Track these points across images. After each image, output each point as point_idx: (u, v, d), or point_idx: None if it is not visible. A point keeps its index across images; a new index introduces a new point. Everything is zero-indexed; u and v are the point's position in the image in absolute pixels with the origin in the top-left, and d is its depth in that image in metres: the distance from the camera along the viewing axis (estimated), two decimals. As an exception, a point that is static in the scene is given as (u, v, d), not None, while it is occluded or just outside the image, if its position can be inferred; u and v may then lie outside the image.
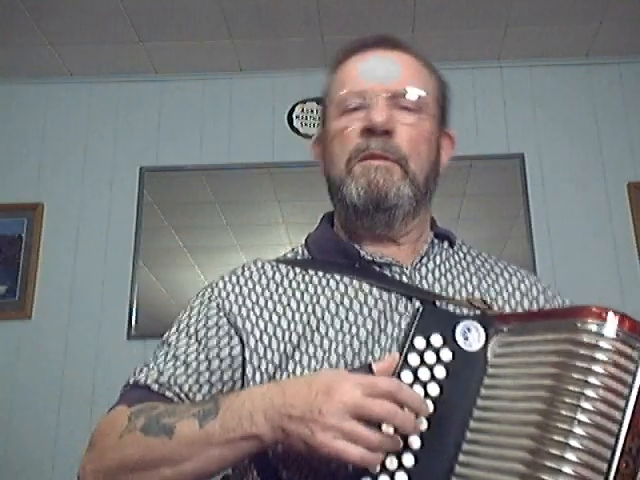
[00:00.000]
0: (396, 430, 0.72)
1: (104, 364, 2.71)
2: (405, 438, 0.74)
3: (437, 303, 0.95)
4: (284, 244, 2.92)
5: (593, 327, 0.72)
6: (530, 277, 1.08)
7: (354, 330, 0.92)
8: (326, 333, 0.92)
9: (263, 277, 1.01)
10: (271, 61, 3.06)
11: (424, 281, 0.99)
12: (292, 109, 3.06)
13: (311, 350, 0.90)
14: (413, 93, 1.00)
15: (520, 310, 1.00)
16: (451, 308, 0.94)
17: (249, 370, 0.91)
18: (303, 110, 3.05)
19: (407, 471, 0.73)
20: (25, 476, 2.62)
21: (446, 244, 1.07)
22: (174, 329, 0.99)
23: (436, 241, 1.06)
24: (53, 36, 2.86)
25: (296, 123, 3.04)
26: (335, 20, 2.79)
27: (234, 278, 1.02)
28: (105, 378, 2.66)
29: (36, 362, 2.74)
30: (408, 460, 0.74)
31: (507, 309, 0.99)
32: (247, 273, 1.02)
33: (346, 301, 0.95)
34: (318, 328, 0.92)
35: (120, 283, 2.83)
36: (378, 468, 0.73)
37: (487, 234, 2.93)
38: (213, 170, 3.00)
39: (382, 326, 0.92)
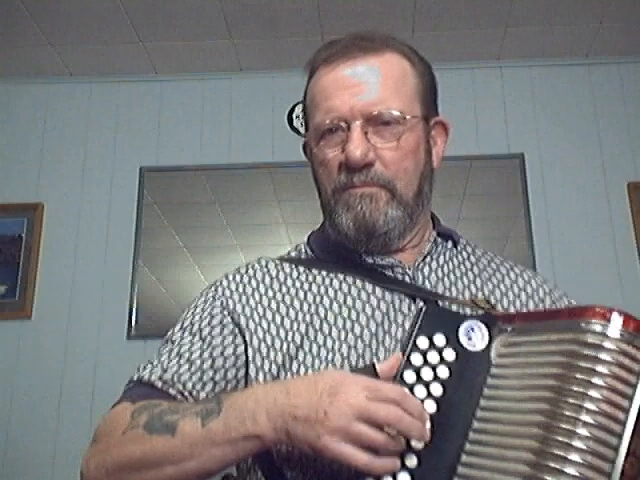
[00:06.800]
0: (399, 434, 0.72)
1: (104, 364, 2.71)
2: (407, 439, 0.73)
3: (440, 303, 0.94)
4: (284, 244, 2.92)
5: (597, 327, 0.72)
6: (537, 278, 1.07)
7: (357, 330, 0.91)
8: (329, 333, 0.91)
9: (267, 276, 1.00)
10: (271, 61, 3.06)
11: (427, 281, 0.98)
12: (292, 109, 3.05)
13: (315, 350, 0.90)
14: (390, 113, 0.93)
15: (525, 311, 0.99)
16: (454, 308, 0.93)
17: (252, 369, 0.91)
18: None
19: (410, 472, 0.73)
20: (25, 476, 2.61)
21: (450, 244, 1.06)
22: (178, 327, 0.99)
23: (439, 240, 1.05)
24: (53, 36, 2.86)
25: (296, 123, 3.03)
26: (335, 20, 2.79)
27: (238, 277, 1.01)
28: (105, 378, 2.66)
29: (36, 362, 2.74)
30: (411, 461, 0.73)
31: (512, 310, 0.98)
32: (251, 272, 1.01)
33: (349, 300, 0.95)
34: (321, 328, 0.92)
35: (120, 283, 2.83)
36: None
37: (487, 234, 2.92)
38: (213, 170, 3.00)
39: (386, 327, 0.92)
